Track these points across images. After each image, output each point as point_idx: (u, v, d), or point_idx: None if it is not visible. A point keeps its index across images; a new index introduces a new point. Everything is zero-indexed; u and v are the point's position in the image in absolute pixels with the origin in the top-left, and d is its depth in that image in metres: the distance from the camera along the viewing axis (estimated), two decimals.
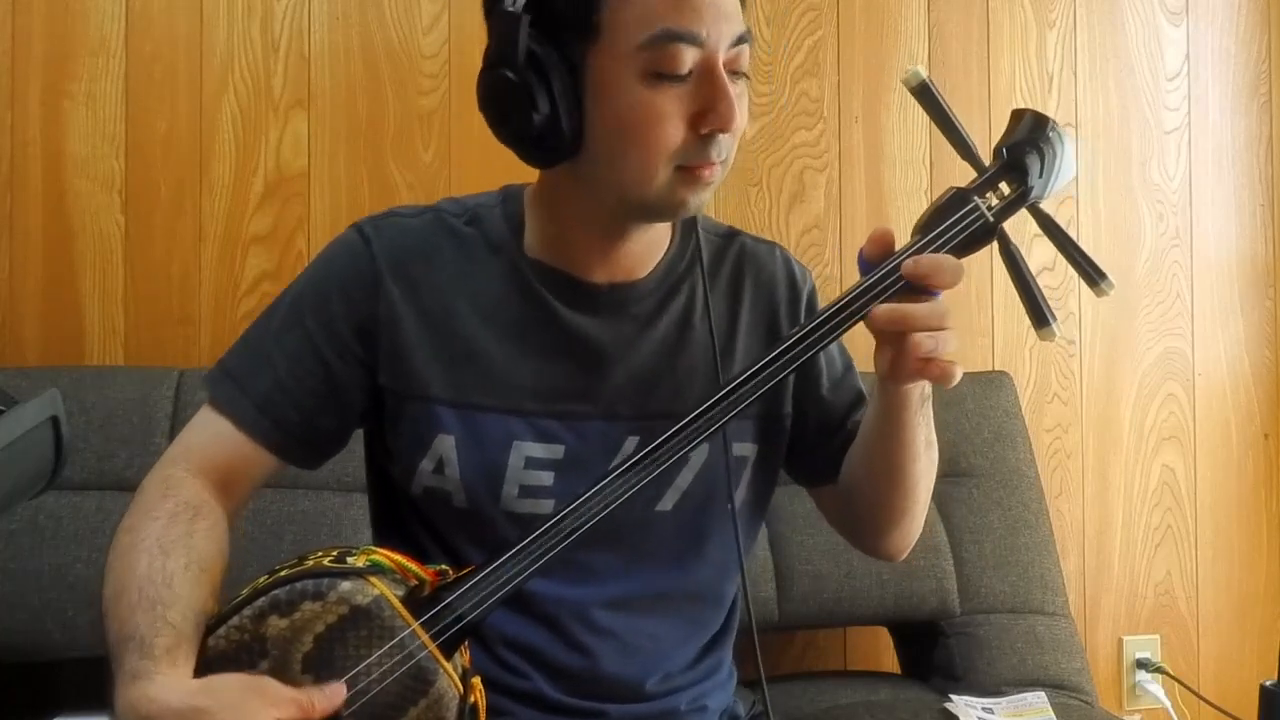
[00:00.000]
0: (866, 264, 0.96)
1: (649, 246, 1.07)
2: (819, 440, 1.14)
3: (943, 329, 0.92)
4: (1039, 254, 1.81)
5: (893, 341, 0.94)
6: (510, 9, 0.92)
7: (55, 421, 0.92)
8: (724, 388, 0.93)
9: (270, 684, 0.81)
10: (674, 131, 0.94)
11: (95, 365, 1.83)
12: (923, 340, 0.92)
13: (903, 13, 2.19)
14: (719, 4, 0.93)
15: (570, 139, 0.95)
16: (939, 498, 1.90)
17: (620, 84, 0.93)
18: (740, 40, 0.95)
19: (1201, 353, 2.33)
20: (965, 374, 2.06)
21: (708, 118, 0.94)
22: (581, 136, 0.95)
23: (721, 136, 0.95)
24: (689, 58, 0.93)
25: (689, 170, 0.96)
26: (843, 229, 2.15)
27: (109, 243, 1.85)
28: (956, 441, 1.93)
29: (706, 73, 0.93)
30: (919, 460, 1.06)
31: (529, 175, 1.07)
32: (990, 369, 2.16)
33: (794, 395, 1.13)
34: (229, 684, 0.81)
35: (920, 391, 1.01)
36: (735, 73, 0.96)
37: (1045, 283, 2.12)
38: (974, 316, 2.20)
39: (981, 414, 1.98)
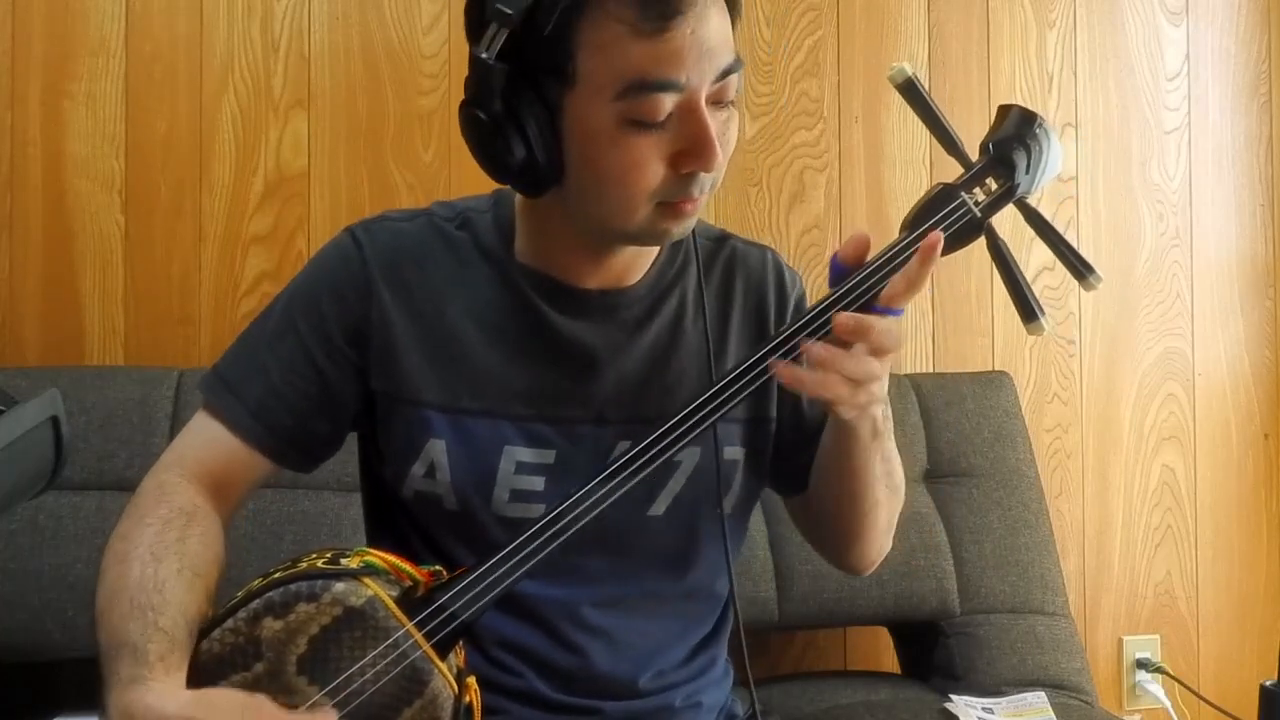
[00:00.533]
0: (840, 268, 0.95)
1: (639, 254, 1.07)
2: (795, 449, 1.13)
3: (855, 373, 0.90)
4: (1040, 254, 1.81)
5: None
6: (484, 56, 0.89)
7: (55, 421, 0.92)
8: (706, 391, 0.93)
9: (265, 703, 0.81)
10: (653, 174, 0.92)
11: (95, 365, 1.84)
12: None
13: (903, 13, 2.18)
14: (702, 43, 0.89)
15: (549, 176, 0.94)
16: (939, 498, 1.90)
17: (597, 130, 0.91)
18: (727, 72, 0.92)
19: (1201, 353, 2.32)
20: (965, 374, 2.07)
21: (688, 159, 0.92)
22: (562, 172, 0.94)
23: (703, 175, 0.94)
24: (668, 104, 0.90)
25: (670, 205, 0.95)
26: (843, 229, 2.14)
27: (109, 243, 1.86)
28: (956, 441, 1.93)
29: (687, 114, 0.91)
30: (874, 490, 1.06)
31: None
32: (990, 369, 2.16)
33: (777, 401, 1.12)
34: (225, 698, 0.81)
35: (870, 427, 1.00)
36: (721, 102, 0.93)
37: (1046, 283, 2.16)
38: (974, 316, 2.20)
39: (981, 414, 1.98)
